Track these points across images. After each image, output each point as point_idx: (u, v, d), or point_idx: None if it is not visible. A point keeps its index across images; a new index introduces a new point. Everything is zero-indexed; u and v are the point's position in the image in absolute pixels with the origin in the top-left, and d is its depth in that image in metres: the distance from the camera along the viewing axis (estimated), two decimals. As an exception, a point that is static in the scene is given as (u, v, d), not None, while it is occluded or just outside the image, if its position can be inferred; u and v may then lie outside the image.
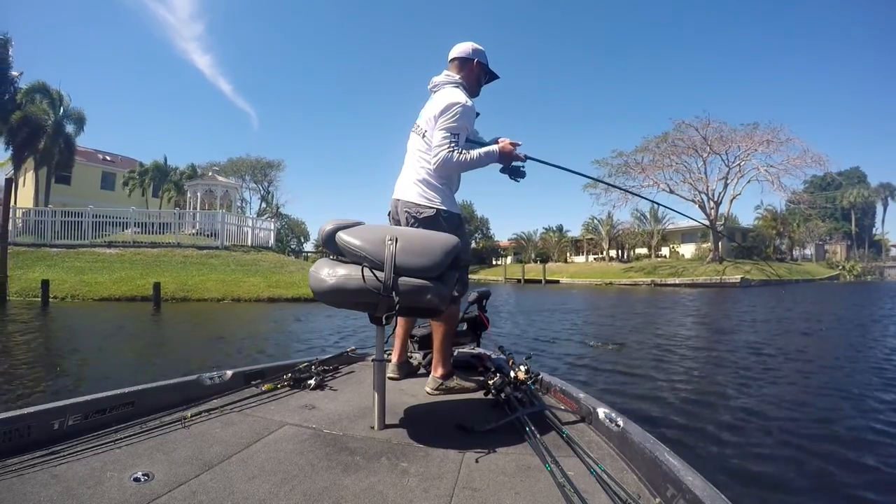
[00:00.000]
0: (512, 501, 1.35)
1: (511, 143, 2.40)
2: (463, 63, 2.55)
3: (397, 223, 2.49)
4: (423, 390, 2.44)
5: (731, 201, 43.62)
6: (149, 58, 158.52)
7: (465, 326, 3.11)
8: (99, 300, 15.12)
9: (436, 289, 1.78)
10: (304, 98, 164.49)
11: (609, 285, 37.02)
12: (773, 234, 51.38)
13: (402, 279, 1.74)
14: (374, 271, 1.75)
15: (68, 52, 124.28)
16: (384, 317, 1.80)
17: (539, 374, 2.40)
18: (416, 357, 2.91)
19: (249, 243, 24.01)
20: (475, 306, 3.13)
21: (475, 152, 2.35)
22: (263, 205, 51.82)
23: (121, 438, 1.68)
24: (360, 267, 1.76)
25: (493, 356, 2.88)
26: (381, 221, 2.56)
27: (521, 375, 2.24)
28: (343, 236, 1.85)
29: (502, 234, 66.92)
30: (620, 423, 1.73)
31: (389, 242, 1.78)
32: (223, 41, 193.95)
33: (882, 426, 3.88)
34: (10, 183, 16.90)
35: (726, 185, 43.16)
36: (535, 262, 52.95)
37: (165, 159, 39.75)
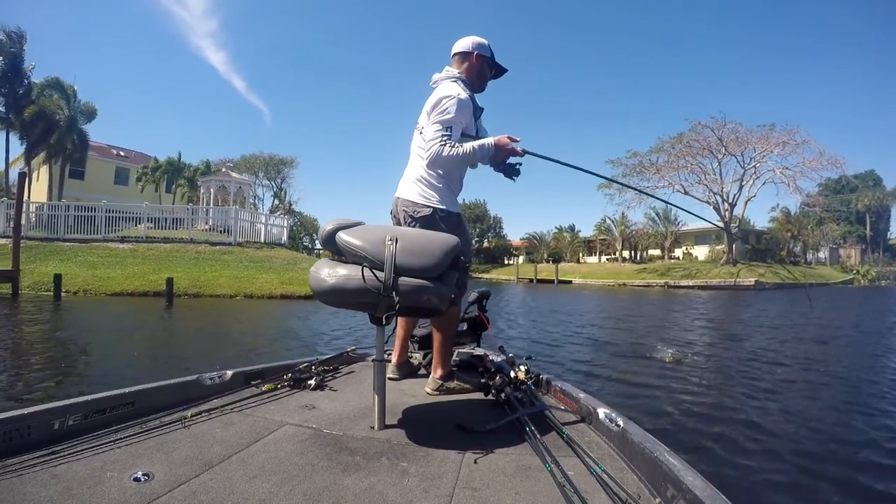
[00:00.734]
0: (512, 501, 1.35)
1: (508, 138, 2.29)
2: (463, 57, 2.50)
3: (398, 222, 2.46)
4: (423, 390, 2.44)
5: (746, 203, 43.37)
6: (163, 55, 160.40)
7: (465, 326, 3.10)
8: (111, 295, 15.03)
9: (436, 289, 1.78)
10: (318, 95, 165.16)
11: (622, 286, 36.69)
12: (788, 237, 50.92)
13: (402, 279, 1.74)
14: (374, 271, 1.75)
15: (83, 49, 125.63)
16: (384, 317, 1.81)
17: (539, 375, 2.41)
18: (417, 357, 2.91)
19: (262, 240, 23.95)
20: (475, 306, 3.11)
21: (468, 146, 2.26)
22: (276, 201, 51.82)
23: (121, 438, 1.68)
24: (361, 267, 1.76)
25: (493, 356, 2.84)
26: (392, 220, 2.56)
27: (521, 375, 2.25)
28: (343, 236, 1.86)
29: (514, 233, 66.70)
30: (620, 423, 1.72)
31: (389, 242, 1.78)
32: (237, 38, 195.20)
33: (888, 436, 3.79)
34: (24, 177, 16.81)
35: (741, 187, 42.84)
36: (548, 261, 52.58)
37: (179, 155, 39.79)
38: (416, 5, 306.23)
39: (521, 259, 57.11)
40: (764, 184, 42.19)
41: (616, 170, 45.35)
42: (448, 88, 2.35)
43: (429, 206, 2.36)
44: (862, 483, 2.92)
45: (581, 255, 57.59)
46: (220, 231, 23.10)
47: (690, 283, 36.38)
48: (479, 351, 3.02)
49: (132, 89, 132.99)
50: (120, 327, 9.39)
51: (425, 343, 2.92)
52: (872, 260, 56.49)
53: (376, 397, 1.89)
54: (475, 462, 1.60)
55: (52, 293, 13.72)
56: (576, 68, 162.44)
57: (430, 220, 2.34)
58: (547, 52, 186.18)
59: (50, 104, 30.89)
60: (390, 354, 2.70)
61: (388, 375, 2.43)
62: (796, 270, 42.86)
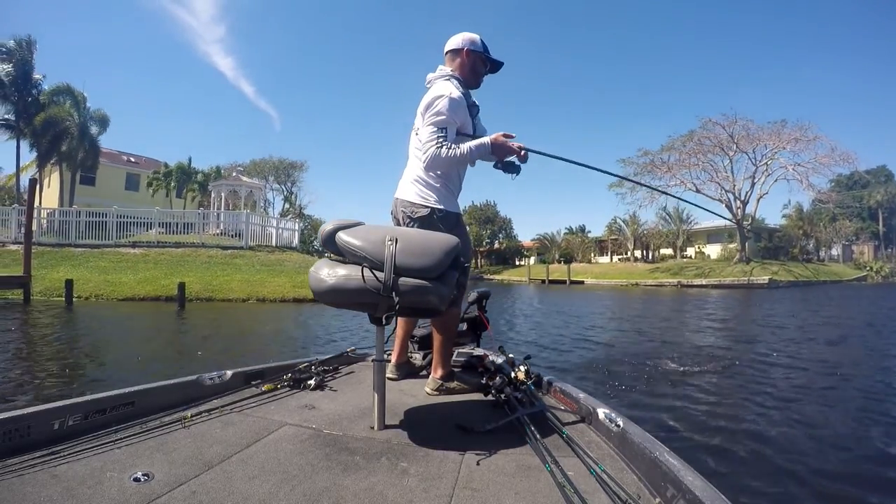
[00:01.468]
0: (512, 501, 1.34)
1: (504, 135, 2.29)
2: (455, 55, 2.49)
3: (397, 223, 2.47)
4: (423, 391, 2.44)
5: (759, 200, 42.83)
6: (172, 61, 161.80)
7: (465, 326, 3.11)
8: (122, 300, 14.95)
9: (436, 289, 1.77)
10: (327, 98, 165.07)
11: (635, 286, 36.28)
12: (800, 234, 50.35)
13: (402, 279, 1.73)
14: (374, 272, 1.74)
15: (91, 56, 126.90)
16: (384, 317, 1.81)
17: (539, 375, 2.40)
18: (417, 357, 2.91)
19: (274, 243, 23.92)
20: (475, 307, 3.10)
21: (465, 146, 2.26)
22: (287, 205, 51.68)
23: (121, 438, 1.67)
24: (360, 267, 1.76)
25: (493, 356, 2.82)
26: None
27: (521, 376, 2.24)
28: (343, 236, 1.86)
29: (525, 234, 66.33)
30: (620, 423, 1.71)
31: (389, 243, 1.77)
32: (245, 44, 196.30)
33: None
34: (35, 183, 16.79)
35: (753, 184, 42.33)
36: (559, 262, 52.12)
37: (190, 161, 39.80)
38: (426, 8, 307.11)
39: (532, 260, 56.66)
40: (776, 181, 41.71)
41: (627, 169, 44.98)
42: (440, 88, 2.34)
43: (426, 207, 2.36)
44: (862, 483, 2.90)
45: (592, 255, 57.16)
46: (232, 235, 23.06)
47: (704, 282, 35.98)
48: (479, 351, 3.00)
49: (141, 95, 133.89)
50: (133, 332, 9.27)
51: (425, 343, 2.92)
52: (886, 256, 55.34)
53: (376, 397, 1.88)
54: (475, 462, 1.59)
55: (63, 298, 13.64)
56: (586, 68, 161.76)
57: (428, 221, 2.34)
58: (557, 55, 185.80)
59: (60, 112, 31.04)
60: (390, 354, 2.71)
61: (387, 375, 2.44)
62: (809, 268, 42.44)
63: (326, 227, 1.92)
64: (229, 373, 2.32)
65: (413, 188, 2.40)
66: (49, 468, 1.43)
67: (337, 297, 1.82)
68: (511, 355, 2.64)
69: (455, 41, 2.49)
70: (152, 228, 22.02)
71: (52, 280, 15.46)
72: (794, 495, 2.76)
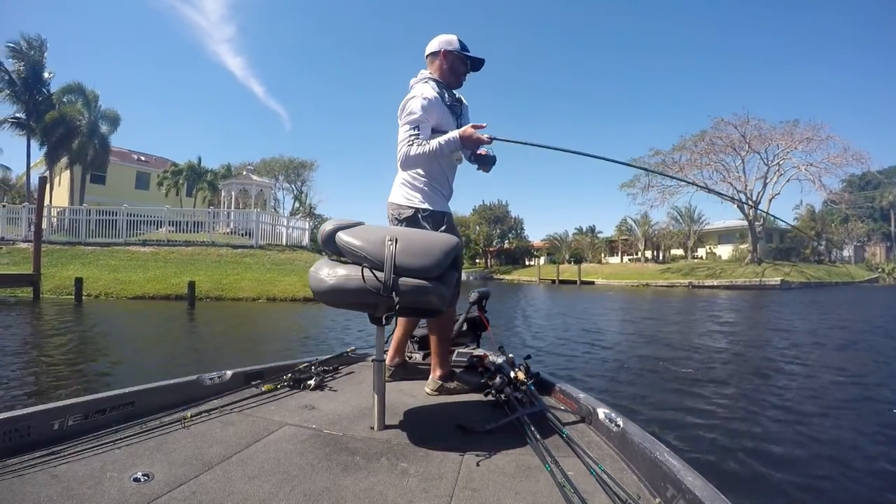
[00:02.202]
0: (512, 501, 1.33)
1: (473, 127, 2.26)
2: (433, 57, 2.53)
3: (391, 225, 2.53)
4: (422, 391, 2.44)
5: (770, 201, 42.18)
6: (182, 60, 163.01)
7: (465, 327, 3.10)
8: (132, 298, 14.82)
9: (436, 289, 1.76)
10: (337, 98, 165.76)
11: (645, 287, 35.90)
12: (812, 235, 49.82)
13: (402, 279, 1.72)
14: (374, 272, 1.73)
15: (102, 56, 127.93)
16: (384, 317, 1.82)
17: (539, 375, 2.39)
18: (417, 357, 2.94)
19: (284, 242, 23.81)
20: (475, 307, 3.10)
21: (435, 141, 2.26)
22: (297, 204, 51.58)
23: (121, 439, 1.67)
24: (360, 267, 1.75)
25: (493, 356, 2.82)
26: None
27: (521, 376, 2.23)
28: (343, 237, 1.85)
29: (535, 234, 66.05)
30: (620, 423, 1.70)
31: (389, 243, 1.77)
32: (254, 43, 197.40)
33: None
34: (44, 182, 16.75)
35: (765, 185, 41.86)
36: (570, 262, 51.76)
37: (200, 160, 39.77)
38: (437, 6, 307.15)
39: (542, 260, 56.36)
40: (788, 181, 41.26)
41: (638, 169, 44.62)
42: (415, 90, 2.40)
43: (411, 207, 2.41)
44: (861, 484, 2.90)
45: (603, 255, 56.81)
46: (242, 234, 22.97)
47: (715, 283, 35.58)
48: (479, 351, 2.99)
49: (152, 95, 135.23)
50: (143, 330, 9.12)
51: (425, 343, 2.93)
52: (898, 257, 54.53)
53: (376, 397, 1.88)
54: (475, 462, 1.58)
55: (73, 297, 13.53)
56: (597, 69, 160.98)
57: (414, 221, 2.38)
58: (566, 51, 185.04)
59: (71, 110, 31.08)
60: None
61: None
62: (821, 269, 42.04)
63: (326, 227, 1.92)
64: (229, 373, 2.32)
65: (400, 191, 2.47)
66: (49, 468, 1.42)
67: (337, 297, 1.82)
68: (511, 355, 2.63)
69: (432, 44, 2.53)
70: (162, 227, 21.97)
71: (61, 278, 15.36)
72: (794, 496, 2.77)
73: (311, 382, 2.43)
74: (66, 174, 34.30)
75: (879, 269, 47.60)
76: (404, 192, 2.46)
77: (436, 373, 2.44)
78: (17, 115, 31.18)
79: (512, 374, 2.25)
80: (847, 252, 55.30)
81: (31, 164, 33.19)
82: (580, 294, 26.72)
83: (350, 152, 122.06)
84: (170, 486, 1.36)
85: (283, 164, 52.84)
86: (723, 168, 43.08)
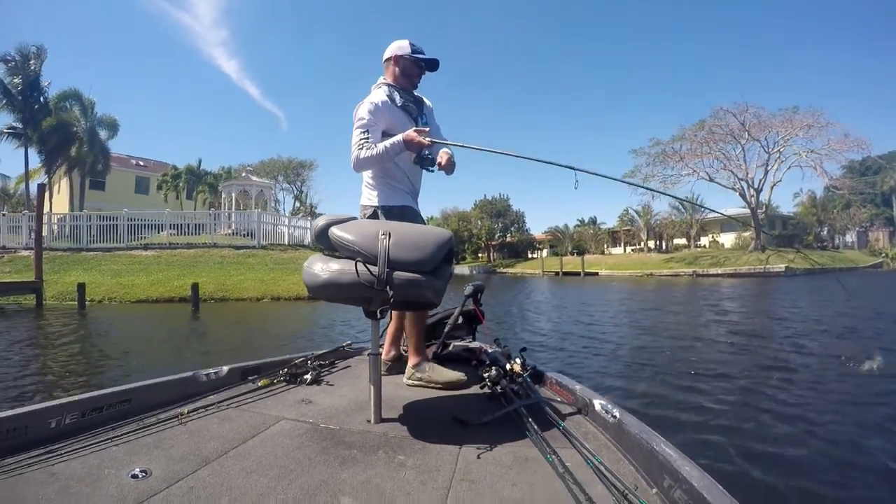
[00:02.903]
0: (509, 493, 1.34)
1: (415, 131, 2.35)
2: (388, 64, 2.64)
3: None
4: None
5: (772, 188, 42.33)
6: (176, 64, 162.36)
7: (460, 320, 3.10)
8: (136, 302, 14.75)
9: (430, 282, 1.77)
10: (332, 98, 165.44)
11: (649, 276, 35.78)
12: (814, 222, 49.53)
13: (396, 273, 1.71)
14: (368, 266, 1.73)
15: (96, 61, 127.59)
16: (378, 311, 1.84)
17: (535, 367, 2.39)
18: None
19: (286, 242, 23.73)
20: (470, 300, 3.09)
21: (381, 145, 2.37)
22: (297, 204, 51.45)
23: (118, 436, 1.68)
24: (354, 262, 1.74)
25: (488, 349, 2.83)
26: None
27: (517, 368, 2.23)
28: (336, 231, 1.86)
29: (536, 227, 65.80)
30: (617, 414, 1.71)
31: (383, 237, 1.76)
32: (248, 46, 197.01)
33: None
34: (43, 189, 16.69)
35: (766, 172, 41.74)
36: (573, 254, 51.57)
37: (199, 162, 39.72)
38: (432, 6, 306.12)
39: (544, 252, 56.21)
40: (789, 168, 41.15)
41: (639, 159, 44.82)
42: (368, 96, 2.51)
43: (371, 206, 2.54)
44: (861, 484, 2.87)
45: (606, 246, 56.65)
46: (244, 235, 22.84)
47: (719, 272, 35.38)
48: (474, 344, 3.02)
49: (148, 99, 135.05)
50: (150, 333, 9.05)
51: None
52: (901, 242, 54.24)
53: (372, 391, 1.89)
54: (472, 454, 1.59)
55: (76, 302, 13.43)
56: (595, 61, 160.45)
57: (375, 218, 2.48)
58: (566, 45, 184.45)
59: (68, 117, 30.92)
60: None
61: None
62: (825, 255, 41.88)
63: (319, 223, 1.93)
64: (225, 368, 2.34)
65: (364, 192, 2.61)
66: (47, 466, 1.42)
67: (331, 291, 1.82)
68: (506, 346, 2.65)
69: (386, 52, 2.63)
70: (163, 230, 21.86)
71: (64, 284, 15.28)
72: (790, 485, 2.76)
73: (308, 377, 2.44)
74: (66, 181, 34.22)
75: (883, 255, 47.46)
76: (366, 192, 2.60)
77: (410, 362, 2.48)
78: (14, 124, 30.94)
79: (508, 367, 2.25)
80: (850, 238, 55.25)
81: (29, 172, 33.08)
82: (583, 285, 26.59)
83: (349, 150, 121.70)
84: (167, 482, 1.36)
85: (282, 165, 52.71)
86: (724, 157, 42.86)
